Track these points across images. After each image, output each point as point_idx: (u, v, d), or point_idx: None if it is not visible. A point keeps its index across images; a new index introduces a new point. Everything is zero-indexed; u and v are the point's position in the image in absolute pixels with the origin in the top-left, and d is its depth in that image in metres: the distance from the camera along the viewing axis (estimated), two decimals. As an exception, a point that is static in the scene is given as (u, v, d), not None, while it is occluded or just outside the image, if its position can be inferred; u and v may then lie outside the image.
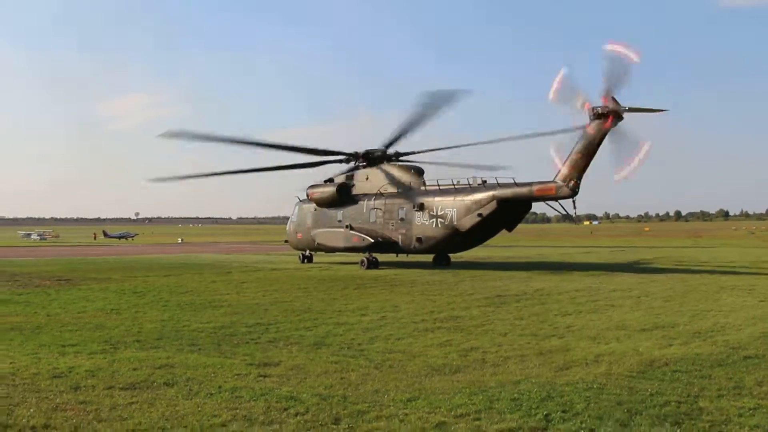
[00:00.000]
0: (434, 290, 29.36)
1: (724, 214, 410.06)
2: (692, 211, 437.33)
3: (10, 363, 14.05)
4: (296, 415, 10.47)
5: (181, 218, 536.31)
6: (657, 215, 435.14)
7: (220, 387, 12.11)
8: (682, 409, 10.74)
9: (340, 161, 49.44)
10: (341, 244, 47.70)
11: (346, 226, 47.18)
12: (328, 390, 11.96)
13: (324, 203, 49.45)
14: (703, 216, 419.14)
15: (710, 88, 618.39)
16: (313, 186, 50.48)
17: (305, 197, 51.64)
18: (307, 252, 51.09)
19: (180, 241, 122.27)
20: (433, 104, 43.08)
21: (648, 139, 36.39)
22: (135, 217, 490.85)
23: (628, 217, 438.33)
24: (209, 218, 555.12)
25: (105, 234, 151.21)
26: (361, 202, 47.56)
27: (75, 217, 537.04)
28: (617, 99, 36.52)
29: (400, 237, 45.06)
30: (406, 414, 10.49)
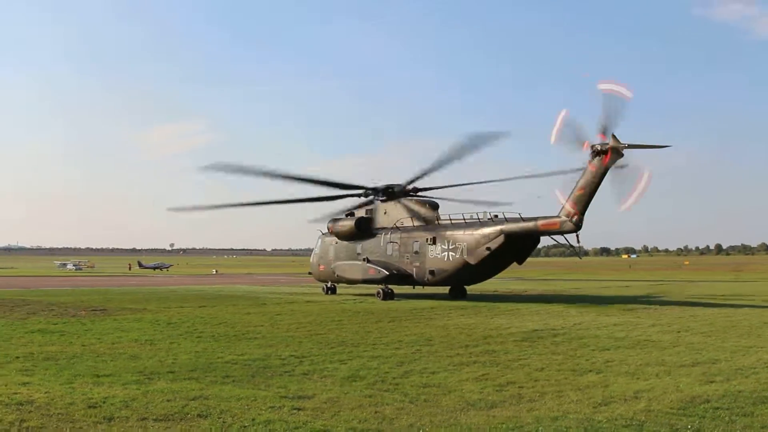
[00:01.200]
0: (469, 324, 29.12)
1: (767, 248, 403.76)
2: (733, 244, 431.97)
3: (45, 393, 14.07)
4: (330, 449, 10.34)
5: (216, 249, 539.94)
6: (697, 248, 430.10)
7: (253, 419, 12.02)
8: (725, 447, 10.47)
9: (360, 195, 51.29)
10: (359, 276, 49.30)
11: (364, 259, 48.78)
12: (362, 424, 11.83)
13: (344, 236, 51.03)
14: (745, 249, 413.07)
15: (751, 119, 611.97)
16: (334, 220, 52.04)
17: (327, 231, 53.06)
18: (330, 284, 52.65)
19: (215, 273, 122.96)
20: (467, 146, 45.79)
21: (654, 168, 37.46)
22: (170, 248, 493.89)
23: (667, 251, 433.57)
24: (244, 249, 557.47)
25: (140, 265, 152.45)
26: (378, 236, 49.30)
27: (110, 248, 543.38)
28: (616, 135, 37.28)
29: (414, 269, 46.57)
30: (442, 449, 10.32)
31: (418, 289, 50.43)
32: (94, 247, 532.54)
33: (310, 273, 57.42)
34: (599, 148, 37.80)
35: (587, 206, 39.04)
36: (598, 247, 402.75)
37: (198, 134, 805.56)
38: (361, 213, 51.08)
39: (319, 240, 54.41)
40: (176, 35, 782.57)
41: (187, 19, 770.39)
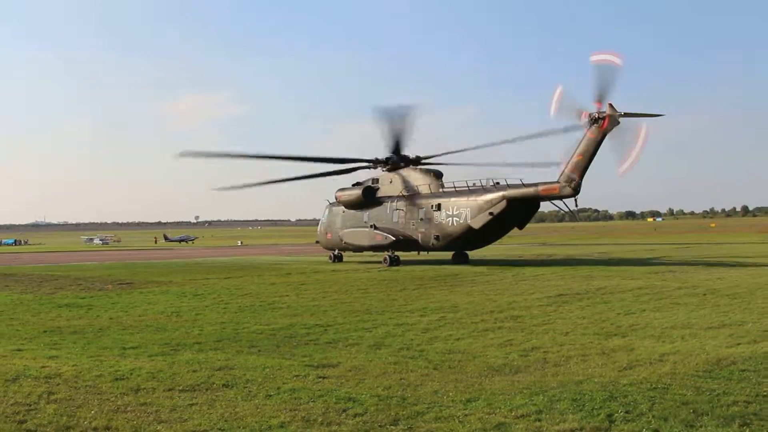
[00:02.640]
0: (494, 290, 29.12)
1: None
2: (760, 205, 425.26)
3: (73, 365, 14.23)
4: (355, 416, 10.39)
5: (241, 221, 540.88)
6: (723, 210, 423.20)
7: (278, 388, 12.09)
8: (751, 409, 10.40)
9: (367, 167, 53.15)
10: (366, 242, 51.41)
11: (371, 226, 50.47)
12: (386, 391, 11.86)
13: (351, 205, 53.00)
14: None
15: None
16: (341, 189, 54.06)
17: (334, 200, 54.89)
18: (336, 251, 54.65)
19: (240, 244, 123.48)
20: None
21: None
22: (195, 221, 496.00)
23: (692, 213, 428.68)
24: (268, 220, 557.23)
25: (166, 238, 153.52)
26: (384, 204, 51.36)
27: (136, 222, 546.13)
28: (613, 104, 39.72)
29: (420, 235, 48.62)
30: (466, 415, 10.34)
31: (423, 255, 52.38)
32: (120, 222, 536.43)
33: (317, 242, 59.52)
34: (597, 116, 40.05)
35: (585, 171, 41.16)
36: (623, 210, 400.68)
37: (224, 105, 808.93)
38: (367, 182, 52.78)
39: (327, 209, 56.23)
40: (203, 4, 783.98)
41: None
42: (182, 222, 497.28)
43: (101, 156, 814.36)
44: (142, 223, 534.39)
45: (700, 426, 9.60)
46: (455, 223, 46.52)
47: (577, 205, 43.93)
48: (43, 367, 14.13)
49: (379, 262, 48.68)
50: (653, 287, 28.71)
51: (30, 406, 11.13)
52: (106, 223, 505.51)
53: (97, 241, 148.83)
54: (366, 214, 51.77)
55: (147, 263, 56.91)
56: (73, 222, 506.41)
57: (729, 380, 12.19)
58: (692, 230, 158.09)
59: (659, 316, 20.44)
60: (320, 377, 13.01)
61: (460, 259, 49.71)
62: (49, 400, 11.45)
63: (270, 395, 11.65)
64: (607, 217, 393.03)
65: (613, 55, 39.14)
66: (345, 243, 53.13)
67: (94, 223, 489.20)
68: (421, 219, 48.40)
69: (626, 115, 39.84)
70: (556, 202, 44.03)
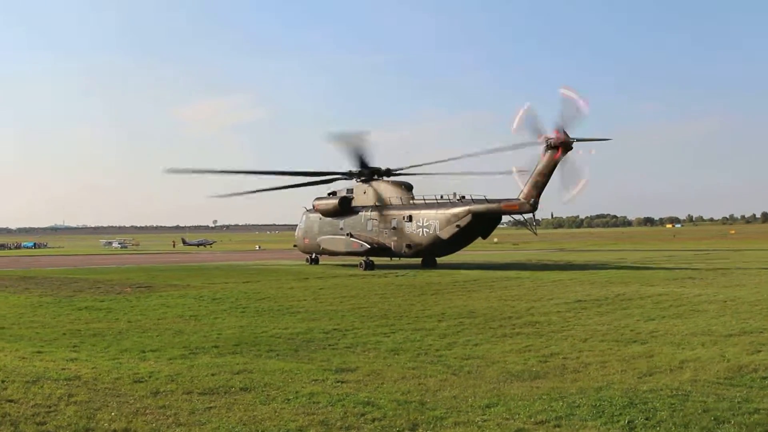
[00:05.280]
0: (513, 295, 29.03)
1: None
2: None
3: (92, 368, 14.27)
4: (373, 420, 10.38)
5: (258, 225, 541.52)
6: (743, 217, 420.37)
7: (297, 392, 12.09)
8: (773, 417, 10.32)
9: (345, 176, 56.37)
10: (343, 249, 55.13)
11: (347, 234, 54.44)
12: (405, 396, 11.84)
13: (328, 213, 56.76)
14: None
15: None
16: (318, 198, 57.86)
17: (311, 208, 58.54)
18: (313, 255, 59.25)
19: (258, 248, 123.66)
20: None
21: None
22: (213, 225, 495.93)
23: (712, 219, 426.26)
24: (286, 225, 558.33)
25: (184, 242, 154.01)
26: (359, 213, 54.94)
27: (154, 226, 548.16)
28: (567, 132, 44.21)
29: (392, 243, 52.61)
30: (485, 420, 10.32)
31: (395, 261, 55.56)
32: (138, 225, 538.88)
33: (295, 246, 63.18)
34: (552, 144, 44.67)
35: (542, 190, 46.04)
36: (642, 216, 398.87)
37: (242, 109, 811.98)
38: (342, 192, 56.08)
39: (304, 216, 60.00)
40: (220, 7, 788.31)
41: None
42: (200, 226, 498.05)
43: (119, 160, 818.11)
44: (161, 227, 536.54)
45: (722, 433, 9.53)
46: (425, 234, 50.60)
47: (535, 220, 49.68)
48: (63, 369, 14.19)
49: (354, 266, 51.68)
50: (673, 294, 28.56)
51: (50, 407, 11.18)
52: (124, 227, 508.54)
53: (115, 244, 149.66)
54: (342, 222, 55.19)
55: (165, 267, 57.10)
56: (92, 225, 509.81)
57: (750, 387, 12.11)
58: (711, 237, 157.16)
59: (679, 323, 20.32)
60: (339, 381, 13.00)
61: (429, 264, 52.54)
62: (69, 402, 11.50)
63: (288, 399, 11.66)
64: (625, 223, 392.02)
65: (582, 100, 43.90)
66: (323, 248, 56.94)
67: (112, 227, 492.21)
68: (394, 228, 52.17)
69: (579, 140, 44.28)
70: (516, 216, 49.32)
